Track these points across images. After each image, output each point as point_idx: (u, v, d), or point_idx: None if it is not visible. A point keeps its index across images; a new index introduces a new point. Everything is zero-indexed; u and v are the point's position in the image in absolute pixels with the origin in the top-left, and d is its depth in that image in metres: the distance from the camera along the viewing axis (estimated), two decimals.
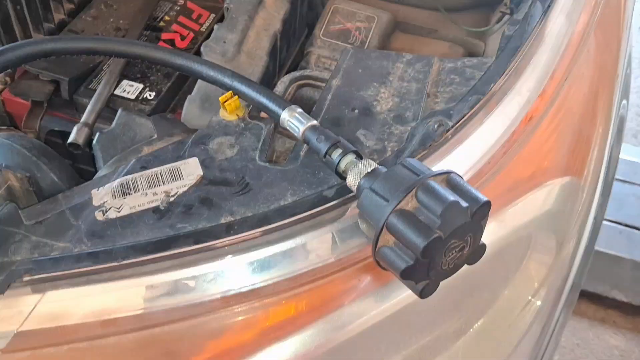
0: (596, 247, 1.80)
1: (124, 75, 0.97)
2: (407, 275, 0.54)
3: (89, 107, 0.91)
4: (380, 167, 0.59)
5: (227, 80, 0.70)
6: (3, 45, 0.98)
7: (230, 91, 0.70)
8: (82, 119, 0.89)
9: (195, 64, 0.71)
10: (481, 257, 0.58)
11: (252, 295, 0.57)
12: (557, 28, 0.76)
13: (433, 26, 1.11)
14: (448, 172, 0.55)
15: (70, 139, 0.86)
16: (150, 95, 0.96)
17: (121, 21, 1.07)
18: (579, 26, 0.78)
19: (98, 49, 0.70)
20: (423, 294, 0.55)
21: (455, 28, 1.09)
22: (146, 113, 0.92)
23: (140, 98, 0.95)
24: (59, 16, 1.07)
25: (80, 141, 0.86)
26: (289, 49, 1.10)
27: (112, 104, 0.93)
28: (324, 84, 0.79)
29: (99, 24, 1.06)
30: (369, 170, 0.58)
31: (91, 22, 1.07)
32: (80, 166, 0.96)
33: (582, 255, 0.89)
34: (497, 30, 1.03)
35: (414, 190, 0.53)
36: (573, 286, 0.89)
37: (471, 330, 0.65)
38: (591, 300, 1.88)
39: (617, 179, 1.74)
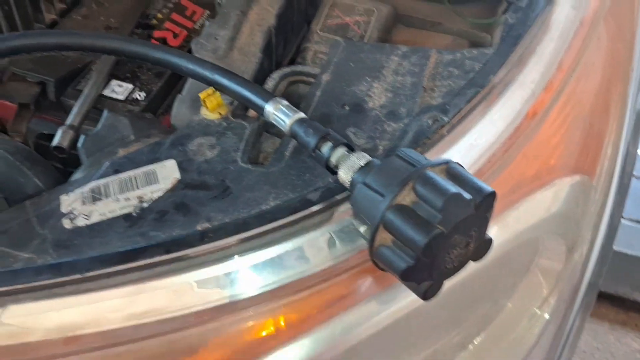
0: (616, 248, 1.73)
1: (113, 75, 0.93)
2: (408, 276, 0.49)
3: (74, 109, 0.87)
4: (374, 159, 0.54)
5: (207, 73, 0.65)
6: None
7: (212, 87, 0.66)
8: (68, 122, 0.85)
9: (173, 57, 0.66)
10: (487, 252, 0.52)
11: (226, 309, 0.52)
12: (564, 14, 0.70)
13: (436, 19, 1.05)
14: (447, 162, 0.51)
15: (54, 142, 0.83)
16: (140, 96, 0.92)
17: (112, 19, 1.04)
18: (588, 12, 0.72)
19: (67, 43, 0.65)
20: (426, 295, 0.50)
21: (459, 20, 1.04)
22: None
23: (129, 98, 0.91)
24: (50, 16, 1.04)
25: (65, 144, 0.83)
26: (287, 46, 1.05)
27: (100, 105, 0.89)
28: None
29: (89, 22, 1.03)
30: (362, 164, 0.54)
31: (81, 21, 1.03)
32: (72, 170, 0.92)
33: (599, 257, 0.83)
34: (504, 22, 0.97)
35: (411, 183, 0.48)
36: (590, 287, 0.83)
37: (471, 345, 0.60)
38: (612, 303, 1.81)
39: (635, 176, 1.67)
